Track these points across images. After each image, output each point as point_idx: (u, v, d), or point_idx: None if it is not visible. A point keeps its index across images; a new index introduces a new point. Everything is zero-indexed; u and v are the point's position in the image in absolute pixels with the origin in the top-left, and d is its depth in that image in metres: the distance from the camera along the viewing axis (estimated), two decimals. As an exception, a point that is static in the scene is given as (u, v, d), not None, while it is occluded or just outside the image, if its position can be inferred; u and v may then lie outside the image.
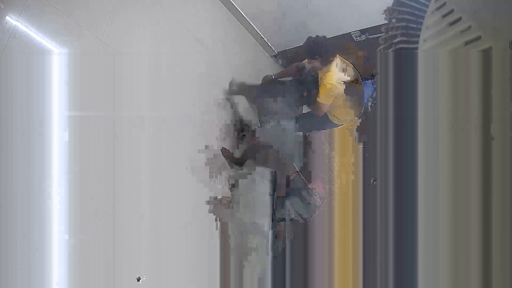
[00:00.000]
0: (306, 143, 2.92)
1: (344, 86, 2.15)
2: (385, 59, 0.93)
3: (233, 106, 2.62)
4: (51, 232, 1.41)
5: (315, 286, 2.49)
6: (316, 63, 2.18)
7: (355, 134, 2.55)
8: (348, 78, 2.18)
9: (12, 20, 1.36)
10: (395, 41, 0.96)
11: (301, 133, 2.50)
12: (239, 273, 2.45)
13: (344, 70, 2.19)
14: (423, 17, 0.88)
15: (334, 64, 2.18)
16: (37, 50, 1.45)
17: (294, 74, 2.41)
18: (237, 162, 2.46)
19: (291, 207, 2.82)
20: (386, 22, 1.04)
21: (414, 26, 0.92)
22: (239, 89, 2.61)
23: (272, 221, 2.83)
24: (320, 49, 2.18)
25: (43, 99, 1.45)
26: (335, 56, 2.21)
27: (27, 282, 1.32)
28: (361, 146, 2.51)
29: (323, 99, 2.17)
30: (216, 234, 2.33)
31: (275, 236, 2.84)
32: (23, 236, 1.32)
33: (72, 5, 1.58)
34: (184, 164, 2.14)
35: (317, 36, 2.22)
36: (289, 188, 2.72)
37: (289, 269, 2.66)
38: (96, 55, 1.68)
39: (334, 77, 2.14)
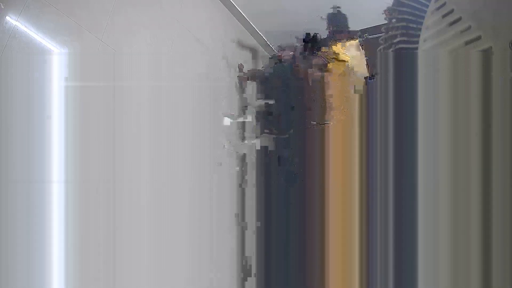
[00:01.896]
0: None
1: (351, 65, 2.12)
2: (385, 59, 0.93)
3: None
4: (51, 232, 1.41)
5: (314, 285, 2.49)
6: (343, 35, 2.18)
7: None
8: (358, 64, 2.16)
9: (12, 20, 1.36)
10: (395, 41, 0.96)
11: None
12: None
13: (359, 56, 2.17)
14: (423, 17, 0.88)
15: (355, 43, 2.17)
16: (37, 50, 1.45)
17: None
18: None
19: None
20: (386, 22, 1.04)
21: (414, 26, 0.92)
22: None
23: None
24: (344, 22, 2.20)
25: (43, 99, 1.45)
26: (356, 38, 2.20)
27: (27, 282, 1.32)
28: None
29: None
30: (218, 235, 2.33)
31: None
32: (23, 236, 1.32)
33: (72, 5, 1.58)
34: (185, 164, 2.14)
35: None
36: None
37: (286, 268, 2.66)
38: (96, 55, 1.68)
39: (350, 51, 2.14)
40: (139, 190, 1.81)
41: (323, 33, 2.31)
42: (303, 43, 2.20)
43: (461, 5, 0.78)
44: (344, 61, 2.07)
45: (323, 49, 2.13)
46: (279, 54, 2.38)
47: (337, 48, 2.10)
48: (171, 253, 1.94)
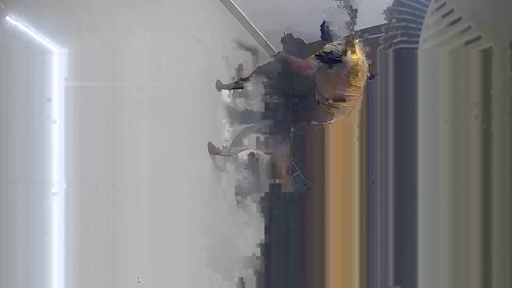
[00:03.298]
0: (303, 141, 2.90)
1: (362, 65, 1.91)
2: (385, 59, 0.93)
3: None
4: (51, 232, 1.41)
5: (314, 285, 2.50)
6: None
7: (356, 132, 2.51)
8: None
9: (12, 20, 1.36)
10: (395, 41, 0.96)
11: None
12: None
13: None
14: (423, 17, 0.88)
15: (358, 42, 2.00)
16: (37, 50, 1.45)
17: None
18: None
19: None
20: (386, 22, 1.04)
21: (414, 26, 0.92)
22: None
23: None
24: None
25: (43, 99, 1.45)
26: (356, 37, 2.04)
27: (27, 282, 1.32)
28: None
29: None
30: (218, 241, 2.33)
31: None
32: (23, 236, 1.32)
33: (72, 5, 1.58)
34: (185, 164, 2.14)
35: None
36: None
37: (287, 269, 2.67)
38: (96, 55, 1.68)
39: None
40: (139, 190, 1.81)
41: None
42: (321, 57, 1.86)
43: (461, 5, 0.78)
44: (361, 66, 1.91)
45: (344, 59, 1.84)
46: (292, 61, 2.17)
47: (357, 56, 1.86)
48: (171, 253, 1.94)
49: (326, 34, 1.99)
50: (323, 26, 2.01)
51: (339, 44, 1.87)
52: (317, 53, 1.86)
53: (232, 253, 2.45)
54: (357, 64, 1.85)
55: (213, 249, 2.28)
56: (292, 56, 2.10)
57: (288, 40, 2.47)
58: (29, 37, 1.42)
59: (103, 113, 1.68)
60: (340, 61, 1.83)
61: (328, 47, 1.86)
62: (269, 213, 2.86)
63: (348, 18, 2.04)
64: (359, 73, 1.88)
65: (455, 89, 0.77)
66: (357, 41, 1.95)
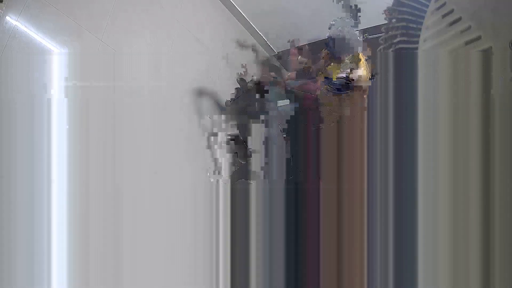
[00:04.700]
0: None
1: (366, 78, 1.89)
2: (385, 59, 0.93)
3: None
4: (51, 232, 1.41)
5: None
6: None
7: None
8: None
9: (12, 20, 1.36)
10: (395, 41, 0.96)
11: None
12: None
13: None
14: (423, 17, 0.88)
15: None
16: (37, 50, 1.45)
17: None
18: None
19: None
20: (386, 22, 1.04)
21: (414, 26, 0.92)
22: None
23: None
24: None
25: (43, 99, 1.45)
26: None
27: (28, 282, 1.32)
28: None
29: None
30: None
31: None
32: (23, 236, 1.32)
33: (72, 5, 1.58)
34: (185, 164, 2.14)
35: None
36: None
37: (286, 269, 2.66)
38: (96, 55, 1.68)
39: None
40: (139, 190, 1.81)
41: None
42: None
43: (461, 5, 0.78)
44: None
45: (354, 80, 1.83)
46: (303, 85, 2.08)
47: (365, 70, 1.84)
48: (172, 253, 1.94)
49: (334, 52, 1.90)
50: (329, 42, 1.92)
51: (345, 65, 1.84)
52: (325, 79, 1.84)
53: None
54: (365, 79, 1.85)
55: (213, 250, 2.27)
56: (303, 88, 2.05)
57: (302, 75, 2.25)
58: (29, 37, 1.42)
59: (103, 113, 1.68)
60: (350, 84, 1.82)
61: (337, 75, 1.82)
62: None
63: (355, 32, 1.98)
64: (366, 84, 1.88)
65: (455, 89, 0.77)
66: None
